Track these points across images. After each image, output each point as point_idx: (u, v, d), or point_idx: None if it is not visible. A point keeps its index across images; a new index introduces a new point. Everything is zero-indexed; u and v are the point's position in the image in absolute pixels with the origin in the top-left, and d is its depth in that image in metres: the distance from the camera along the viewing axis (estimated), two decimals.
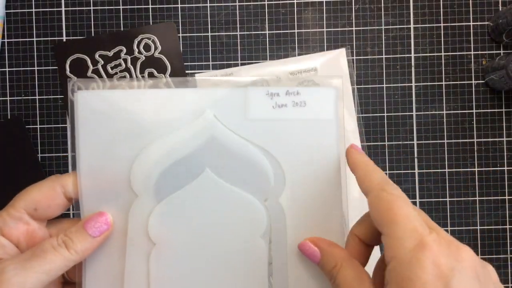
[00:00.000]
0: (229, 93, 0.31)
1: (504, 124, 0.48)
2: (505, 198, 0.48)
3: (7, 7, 0.49)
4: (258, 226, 0.30)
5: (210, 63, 0.49)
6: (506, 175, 0.48)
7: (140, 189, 0.30)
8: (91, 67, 0.48)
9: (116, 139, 0.30)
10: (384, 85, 0.49)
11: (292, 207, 0.31)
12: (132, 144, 0.30)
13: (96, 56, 0.48)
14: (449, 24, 0.49)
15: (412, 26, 0.49)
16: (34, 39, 0.49)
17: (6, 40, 0.49)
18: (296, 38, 0.49)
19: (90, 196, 0.30)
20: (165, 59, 0.48)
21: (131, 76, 0.48)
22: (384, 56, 0.49)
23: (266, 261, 0.30)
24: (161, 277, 0.30)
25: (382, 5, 0.49)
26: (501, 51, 0.49)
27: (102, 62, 0.48)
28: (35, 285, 0.25)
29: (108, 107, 0.31)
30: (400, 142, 0.48)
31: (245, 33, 0.49)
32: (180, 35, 0.49)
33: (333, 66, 0.48)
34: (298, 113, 0.31)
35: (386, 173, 0.48)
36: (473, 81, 0.49)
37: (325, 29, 0.49)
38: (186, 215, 0.30)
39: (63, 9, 0.49)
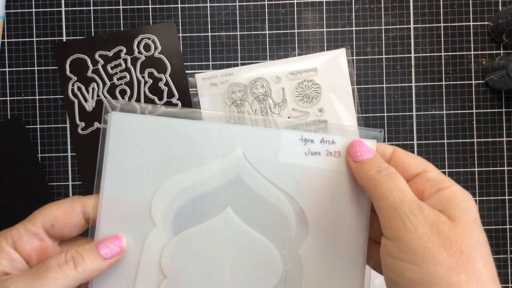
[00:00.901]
0: (262, 134, 0.30)
1: (504, 124, 0.48)
2: (505, 198, 0.48)
3: (7, 7, 0.49)
4: (273, 274, 0.29)
5: (210, 63, 0.49)
6: (506, 175, 0.48)
7: (159, 219, 0.29)
8: (91, 67, 0.48)
9: (144, 166, 0.30)
10: (384, 85, 0.49)
11: (311, 259, 0.29)
12: (159, 173, 0.30)
13: (96, 56, 0.48)
14: (449, 24, 0.49)
15: (412, 26, 0.49)
16: (34, 39, 0.49)
17: (6, 40, 0.49)
18: (296, 38, 0.49)
19: (108, 220, 0.29)
20: (165, 59, 0.48)
21: (131, 76, 0.48)
22: (384, 56, 0.49)
23: None
24: None
25: (382, 5, 0.49)
26: (501, 51, 0.49)
27: (102, 62, 0.48)
28: None
29: (141, 132, 0.30)
30: (400, 142, 0.48)
31: (245, 33, 0.49)
32: (180, 35, 0.49)
33: (333, 66, 0.48)
34: (331, 163, 0.30)
35: None
36: (473, 81, 0.49)
37: (325, 29, 0.49)
38: (200, 252, 0.30)
39: (63, 9, 0.49)
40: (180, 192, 0.30)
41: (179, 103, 0.48)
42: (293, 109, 0.48)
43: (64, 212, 0.28)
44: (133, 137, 0.30)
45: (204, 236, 0.29)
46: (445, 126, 0.49)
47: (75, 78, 0.48)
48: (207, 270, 0.29)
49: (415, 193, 0.26)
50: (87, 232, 0.30)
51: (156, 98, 0.48)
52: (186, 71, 0.49)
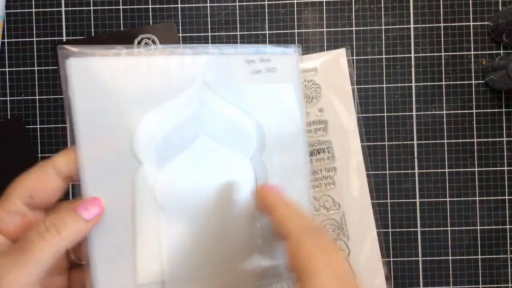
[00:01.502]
0: (217, 61, 0.33)
1: (504, 124, 0.48)
2: (505, 198, 0.48)
3: (7, 7, 0.49)
4: (247, 181, 0.33)
5: None
6: (506, 175, 0.48)
7: (143, 157, 0.30)
8: None
9: (113, 108, 0.30)
10: (384, 85, 0.49)
11: (272, 164, 0.34)
12: (131, 114, 0.30)
13: None
14: (449, 24, 0.49)
15: (412, 26, 0.49)
16: (34, 39, 0.49)
17: (6, 40, 0.49)
18: (296, 38, 0.49)
19: (91, 168, 0.28)
20: None
21: None
22: (384, 56, 0.49)
23: (254, 209, 0.33)
24: (173, 238, 0.31)
25: (382, 5, 0.49)
26: (501, 51, 0.49)
27: None
28: (28, 280, 0.23)
29: (103, 74, 0.30)
30: (400, 142, 0.48)
31: (245, 33, 0.49)
32: (180, 35, 0.49)
33: (333, 66, 0.48)
34: (270, 78, 0.34)
35: (386, 173, 0.48)
36: (473, 81, 0.49)
37: (325, 29, 0.49)
38: (187, 179, 0.32)
39: (63, 9, 0.49)
40: (156, 128, 0.31)
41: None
42: None
43: (38, 179, 0.26)
44: (96, 82, 0.30)
45: (186, 163, 0.32)
46: (445, 126, 0.49)
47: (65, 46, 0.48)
48: (196, 192, 0.32)
49: None
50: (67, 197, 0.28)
51: None
52: None
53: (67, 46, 0.30)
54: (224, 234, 0.32)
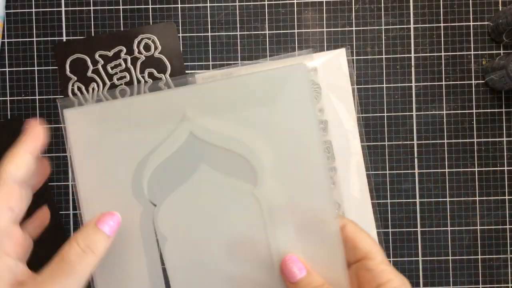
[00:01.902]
0: (197, 91, 0.32)
1: (504, 124, 0.48)
2: (505, 198, 0.48)
3: (7, 7, 0.49)
4: (253, 210, 0.32)
5: (210, 63, 0.49)
6: (506, 175, 0.48)
7: (141, 197, 0.32)
8: (91, 67, 0.48)
9: (110, 153, 0.31)
10: (384, 85, 0.49)
11: (278, 192, 0.32)
12: (126, 156, 0.32)
13: (96, 56, 0.48)
14: (449, 24, 0.49)
15: (412, 26, 0.49)
16: (34, 39, 0.49)
17: (6, 40, 0.49)
18: (296, 38, 0.49)
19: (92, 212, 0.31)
20: (165, 59, 0.48)
21: (131, 76, 0.48)
22: (384, 56, 0.49)
23: (266, 240, 0.32)
24: (176, 265, 0.32)
25: (382, 5, 0.49)
26: (501, 51, 0.49)
27: (102, 62, 0.48)
28: None
29: (97, 122, 0.32)
30: (400, 142, 0.48)
31: (245, 33, 0.49)
32: (180, 35, 0.49)
33: (333, 66, 0.48)
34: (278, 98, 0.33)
35: (386, 173, 0.48)
36: (473, 81, 0.49)
37: (325, 29, 0.49)
38: (189, 208, 0.32)
39: (63, 9, 0.49)
40: (150, 166, 0.32)
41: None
42: None
43: (8, 194, 0.27)
44: (89, 128, 0.32)
45: (188, 193, 0.32)
46: (445, 126, 0.49)
47: (75, 78, 0.48)
48: (201, 223, 0.32)
49: (356, 286, 0.28)
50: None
51: None
52: (186, 71, 0.49)
53: (66, 98, 0.33)
54: (232, 270, 0.32)
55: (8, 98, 0.49)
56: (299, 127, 0.32)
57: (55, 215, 0.48)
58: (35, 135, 0.29)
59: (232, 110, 0.32)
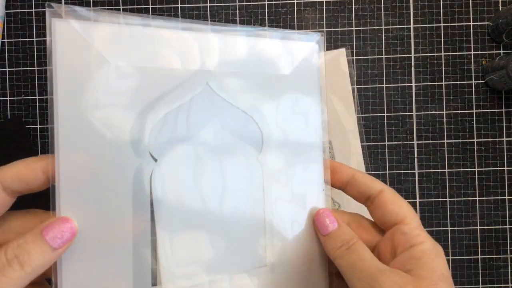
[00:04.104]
0: (220, 43, 0.29)
1: (504, 124, 0.48)
2: (505, 198, 0.48)
3: (7, 7, 0.49)
4: (255, 174, 0.31)
5: None
6: (506, 175, 0.48)
7: (142, 150, 0.26)
8: None
9: (107, 91, 0.25)
10: (384, 85, 0.49)
11: (275, 162, 0.31)
12: (128, 99, 0.26)
13: None
14: (449, 24, 0.49)
15: (412, 26, 0.49)
16: (34, 39, 0.49)
17: (6, 40, 0.49)
18: None
19: (72, 174, 0.24)
20: None
21: None
22: (384, 56, 0.49)
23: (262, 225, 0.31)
24: (168, 228, 0.27)
25: (382, 5, 0.49)
26: (501, 51, 0.49)
27: None
28: None
29: (98, 46, 0.25)
30: (400, 142, 0.48)
31: None
32: None
33: (333, 66, 0.48)
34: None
35: (386, 173, 0.48)
36: (473, 81, 0.49)
37: (325, 29, 0.49)
38: (192, 165, 0.28)
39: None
40: (156, 114, 0.27)
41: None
42: None
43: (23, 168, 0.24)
44: (85, 52, 0.24)
45: (194, 150, 0.28)
46: (445, 126, 0.49)
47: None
48: (203, 183, 0.29)
49: (390, 248, 0.29)
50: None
51: None
52: None
53: (57, 5, 0.23)
54: (226, 240, 0.29)
55: (8, 98, 0.49)
56: (305, 101, 0.32)
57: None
58: (29, 167, 0.24)
59: (251, 72, 0.30)
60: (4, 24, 0.49)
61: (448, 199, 0.48)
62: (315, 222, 0.31)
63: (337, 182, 0.32)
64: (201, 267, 0.28)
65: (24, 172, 0.23)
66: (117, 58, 0.25)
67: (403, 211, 0.29)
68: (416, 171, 0.49)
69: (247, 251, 0.30)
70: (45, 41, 0.49)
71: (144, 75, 0.26)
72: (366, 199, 0.31)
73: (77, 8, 0.24)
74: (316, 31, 0.34)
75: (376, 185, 0.30)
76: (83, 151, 0.24)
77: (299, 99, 0.32)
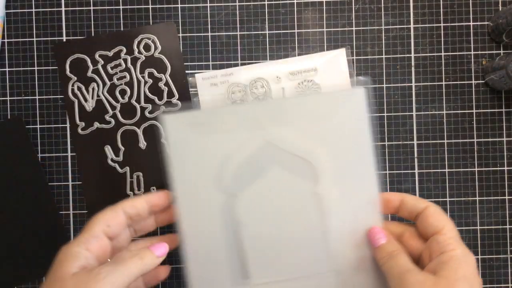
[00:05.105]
0: (271, 107, 0.40)
1: (504, 124, 0.48)
2: (505, 198, 0.48)
3: (7, 7, 0.49)
4: (313, 203, 0.40)
5: (210, 63, 0.49)
6: (506, 175, 0.48)
7: (227, 188, 0.40)
8: (91, 67, 0.48)
9: (199, 152, 0.39)
10: (384, 85, 0.49)
11: (329, 193, 0.40)
12: (212, 156, 0.39)
13: (96, 56, 0.48)
14: (449, 24, 0.49)
15: (412, 26, 0.49)
16: (34, 39, 0.49)
17: (6, 40, 0.49)
18: (296, 38, 0.49)
19: (185, 203, 0.39)
20: (165, 59, 0.48)
21: (131, 76, 0.48)
22: (384, 56, 0.49)
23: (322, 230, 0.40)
24: (256, 247, 0.40)
25: (382, 5, 0.49)
26: (501, 51, 0.49)
27: (102, 62, 0.48)
28: (120, 284, 0.33)
29: (190, 126, 0.39)
30: (400, 142, 0.48)
31: (245, 33, 0.49)
32: (180, 35, 0.49)
33: (333, 66, 0.48)
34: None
35: (386, 173, 0.48)
36: (473, 81, 0.49)
37: (325, 29, 0.49)
38: (264, 199, 0.40)
39: (63, 9, 0.49)
40: (233, 164, 0.40)
41: (179, 103, 0.48)
42: None
43: (112, 215, 0.37)
44: (183, 130, 0.39)
45: (262, 188, 0.40)
46: (445, 126, 0.49)
47: (75, 78, 0.48)
48: (272, 211, 0.40)
49: (428, 255, 0.35)
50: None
51: (156, 98, 0.48)
52: (186, 71, 0.49)
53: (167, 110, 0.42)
54: (297, 251, 0.40)
55: (8, 98, 0.49)
56: (355, 139, 0.40)
57: (55, 215, 0.48)
58: (158, 196, 0.40)
59: (300, 122, 0.39)
60: (4, 24, 0.49)
61: (448, 199, 0.48)
62: (368, 237, 0.38)
63: (391, 209, 0.39)
64: (279, 268, 0.40)
65: (138, 205, 0.39)
66: (206, 134, 0.39)
67: (441, 224, 0.35)
68: (416, 171, 0.49)
69: (315, 259, 0.40)
70: (45, 41, 0.49)
71: (220, 139, 0.39)
72: (415, 217, 0.37)
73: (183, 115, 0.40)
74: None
75: (421, 204, 0.37)
76: (191, 197, 0.39)
77: (349, 138, 0.40)
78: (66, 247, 0.35)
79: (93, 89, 0.48)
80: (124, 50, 0.48)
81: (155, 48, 0.48)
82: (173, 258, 0.48)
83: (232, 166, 0.40)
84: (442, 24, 0.49)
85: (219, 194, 0.40)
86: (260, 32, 0.49)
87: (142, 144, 0.48)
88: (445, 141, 0.49)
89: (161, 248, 0.38)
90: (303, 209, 0.40)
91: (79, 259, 0.35)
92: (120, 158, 0.48)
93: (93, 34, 0.49)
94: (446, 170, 0.48)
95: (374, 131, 0.48)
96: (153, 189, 0.48)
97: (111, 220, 0.37)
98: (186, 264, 0.39)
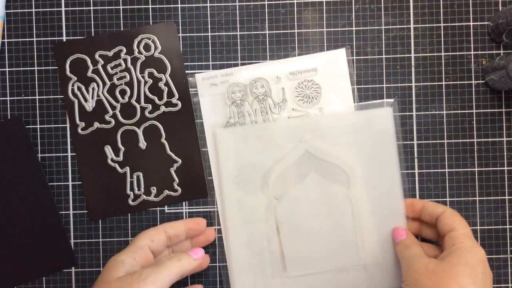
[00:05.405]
0: (307, 123, 0.47)
1: (504, 124, 0.48)
2: (505, 198, 0.48)
3: (7, 7, 0.49)
4: (346, 205, 0.47)
5: (210, 63, 0.49)
6: (506, 175, 0.48)
7: (270, 193, 0.47)
8: (91, 67, 0.48)
9: (247, 162, 0.47)
10: (384, 85, 0.49)
11: (364, 194, 0.47)
12: (258, 165, 0.47)
13: (96, 56, 0.48)
14: (449, 24, 0.49)
15: (412, 26, 0.49)
16: (34, 39, 0.49)
17: (6, 40, 0.49)
18: (296, 38, 0.49)
19: (233, 218, 0.47)
20: (165, 59, 0.48)
21: (131, 76, 0.48)
22: (384, 56, 0.49)
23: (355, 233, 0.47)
24: (291, 246, 0.47)
25: (382, 5, 0.49)
26: (501, 51, 0.49)
27: (102, 62, 0.48)
28: (161, 282, 0.38)
29: (240, 139, 0.47)
30: (400, 142, 0.48)
31: (245, 33, 0.49)
32: (180, 35, 0.49)
33: (333, 66, 0.48)
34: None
35: None
36: (473, 81, 0.49)
37: (325, 29, 0.49)
38: (302, 202, 0.47)
39: (63, 9, 0.49)
40: (276, 172, 0.47)
41: (179, 103, 0.48)
42: (293, 109, 0.48)
43: (155, 232, 0.44)
44: (233, 143, 0.47)
45: (301, 192, 0.47)
46: (445, 126, 0.49)
47: (75, 78, 0.48)
48: (309, 213, 0.47)
49: (442, 248, 0.42)
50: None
51: (156, 98, 0.48)
52: (186, 71, 0.49)
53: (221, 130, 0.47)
54: (329, 247, 0.47)
55: (8, 98, 0.49)
56: (383, 150, 0.47)
57: (55, 215, 0.48)
58: (195, 222, 0.46)
59: (335, 136, 0.47)
60: (4, 24, 0.49)
61: (448, 199, 0.48)
62: (392, 235, 0.46)
63: (414, 213, 0.46)
64: (313, 263, 0.47)
65: (177, 226, 0.46)
66: (249, 144, 0.47)
67: (455, 223, 0.41)
68: (416, 171, 0.49)
69: (345, 254, 0.47)
70: (45, 41, 0.49)
71: (265, 151, 0.47)
72: (435, 220, 0.43)
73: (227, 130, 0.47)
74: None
75: (439, 208, 0.43)
76: (234, 201, 0.48)
77: (377, 150, 0.47)
78: (115, 256, 0.41)
79: (93, 89, 0.48)
80: (124, 50, 0.48)
81: (155, 48, 0.48)
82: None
83: (274, 174, 0.47)
84: (442, 24, 0.49)
85: (264, 197, 0.47)
86: (260, 32, 0.49)
87: (142, 144, 0.48)
88: (445, 141, 0.49)
89: (198, 252, 0.43)
90: (336, 210, 0.47)
91: (125, 265, 0.39)
92: (120, 158, 0.48)
93: (93, 34, 0.49)
94: (446, 170, 0.48)
95: None
96: (153, 189, 0.49)
97: (154, 236, 0.43)
98: (230, 258, 0.47)
